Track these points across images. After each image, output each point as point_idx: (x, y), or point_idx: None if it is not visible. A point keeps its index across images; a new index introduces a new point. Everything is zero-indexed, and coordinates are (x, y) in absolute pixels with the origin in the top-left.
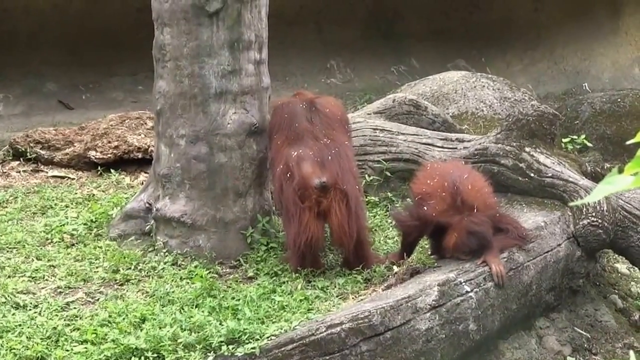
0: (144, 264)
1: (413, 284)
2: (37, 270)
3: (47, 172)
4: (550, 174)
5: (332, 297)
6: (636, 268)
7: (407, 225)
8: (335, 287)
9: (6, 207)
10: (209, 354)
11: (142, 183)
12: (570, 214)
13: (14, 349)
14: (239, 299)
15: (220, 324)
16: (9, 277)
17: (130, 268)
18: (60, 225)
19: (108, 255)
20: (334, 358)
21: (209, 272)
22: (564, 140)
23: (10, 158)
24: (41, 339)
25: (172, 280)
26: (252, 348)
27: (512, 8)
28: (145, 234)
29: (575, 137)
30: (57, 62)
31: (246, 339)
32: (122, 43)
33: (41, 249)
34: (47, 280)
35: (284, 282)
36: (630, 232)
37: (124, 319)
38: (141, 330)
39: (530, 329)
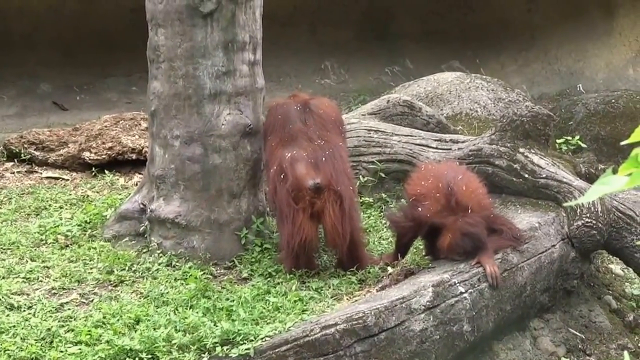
0: (138, 265)
1: (407, 285)
2: (31, 271)
3: (41, 173)
4: (544, 175)
5: (327, 298)
6: (630, 269)
7: (402, 226)
8: (330, 288)
9: (0, 208)
10: (203, 355)
11: (137, 184)
12: (564, 215)
13: (8, 350)
14: (233, 300)
15: (214, 325)
16: (3, 278)
17: (124, 269)
18: (55, 227)
19: (102, 256)
20: (328, 359)
21: (204, 273)
22: (558, 141)
23: (5, 159)
24: (35, 340)
25: (167, 281)
26: (246, 349)
27: (506, 9)
28: (139, 235)
29: (569, 138)
30: (51, 63)
31: (240, 340)
32: (116, 44)
33: (35, 250)
34: (41, 281)
35: (278, 283)
36: (625, 233)
37: (118, 320)
38: (135, 331)
39: (524, 330)
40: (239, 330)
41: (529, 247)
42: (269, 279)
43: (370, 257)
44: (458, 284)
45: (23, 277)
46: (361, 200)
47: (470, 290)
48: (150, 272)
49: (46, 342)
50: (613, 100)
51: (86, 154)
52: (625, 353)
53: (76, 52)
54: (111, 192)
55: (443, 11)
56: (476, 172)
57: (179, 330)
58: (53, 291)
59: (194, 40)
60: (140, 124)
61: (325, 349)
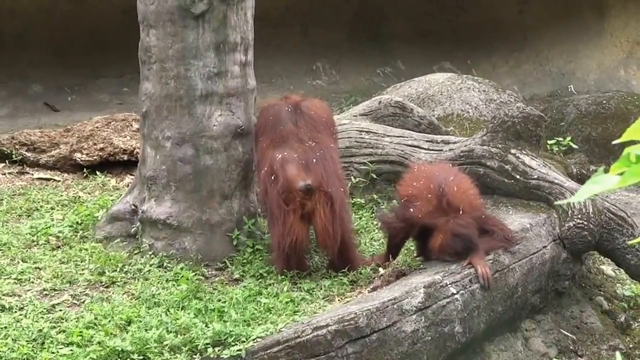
0: (129, 266)
1: (399, 286)
2: (22, 272)
3: (32, 174)
4: (535, 176)
5: (318, 299)
6: (621, 270)
7: (393, 226)
8: (321, 289)
9: None
10: (194, 356)
11: (128, 185)
12: (556, 216)
13: (0, 351)
14: (224, 301)
15: (206, 326)
16: None
17: (116, 270)
18: (46, 228)
19: (94, 257)
20: None
21: (195, 274)
22: (549, 142)
23: None
24: (27, 341)
25: (158, 283)
26: (238, 350)
27: (497, 10)
28: (131, 236)
29: (560, 139)
30: (42, 64)
31: (232, 341)
32: (107, 45)
33: (27, 251)
34: (32, 282)
35: (269, 284)
36: (616, 234)
37: (109, 321)
38: (127, 332)
39: (516, 331)
40: (230, 331)
41: (521, 248)
42: (260, 280)
43: (362, 258)
44: (449, 285)
45: (14, 278)
46: (353, 202)
47: (461, 291)
48: (142, 273)
49: (38, 343)
50: (604, 101)
51: (78, 155)
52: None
53: (68, 53)
54: (103, 193)
55: (435, 12)
56: (468, 173)
57: (171, 332)
58: (44, 292)
59: (186, 41)
60: (131, 125)
61: (316, 350)
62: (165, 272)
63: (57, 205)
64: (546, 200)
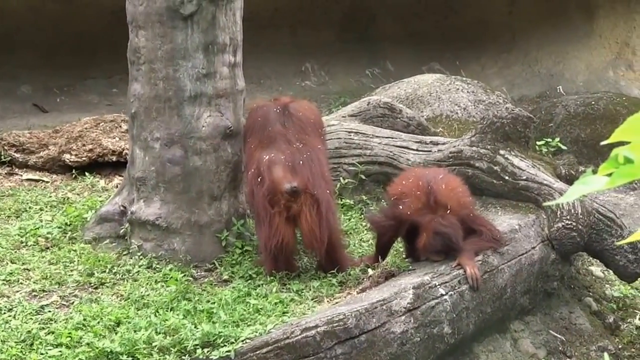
0: (118, 267)
1: (388, 287)
2: (11, 273)
3: (21, 175)
4: (524, 177)
5: (307, 300)
6: (610, 271)
7: (382, 224)
8: (310, 290)
9: None
10: (184, 357)
11: (117, 186)
12: (544, 217)
13: None
14: (214, 302)
15: (195, 327)
16: None
17: (105, 271)
18: (35, 229)
19: (83, 258)
20: None
21: (184, 275)
22: (538, 143)
23: None
24: (15, 342)
25: (147, 284)
26: (227, 351)
27: (486, 11)
28: (120, 237)
29: (549, 140)
30: (31, 65)
31: (221, 342)
32: (96, 46)
33: (15, 252)
34: (21, 283)
35: (258, 285)
36: (605, 235)
37: (98, 322)
38: (116, 333)
39: (505, 332)
40: (219, 332)
41: (509, 249)
42: (249, 281)
43: (351, 259)
44: (438, 286)
45: (3, 280)
46: (341, 202)
47: (450, 292)
48: (131, 274)
49: (26, 344)
50: (593, 102)
51: (66, 156)
52: (606, 355)
53: (56, 53)
54: (91, 194)
55: (424, 13)
56: (457, 174)
57: (160, 333)
58: (33, 293)
59: (175, 42)
60: (120, 126)
61: (305, 351)
62: (154, 273)
63: (46, 206)
64: (535, 201)
